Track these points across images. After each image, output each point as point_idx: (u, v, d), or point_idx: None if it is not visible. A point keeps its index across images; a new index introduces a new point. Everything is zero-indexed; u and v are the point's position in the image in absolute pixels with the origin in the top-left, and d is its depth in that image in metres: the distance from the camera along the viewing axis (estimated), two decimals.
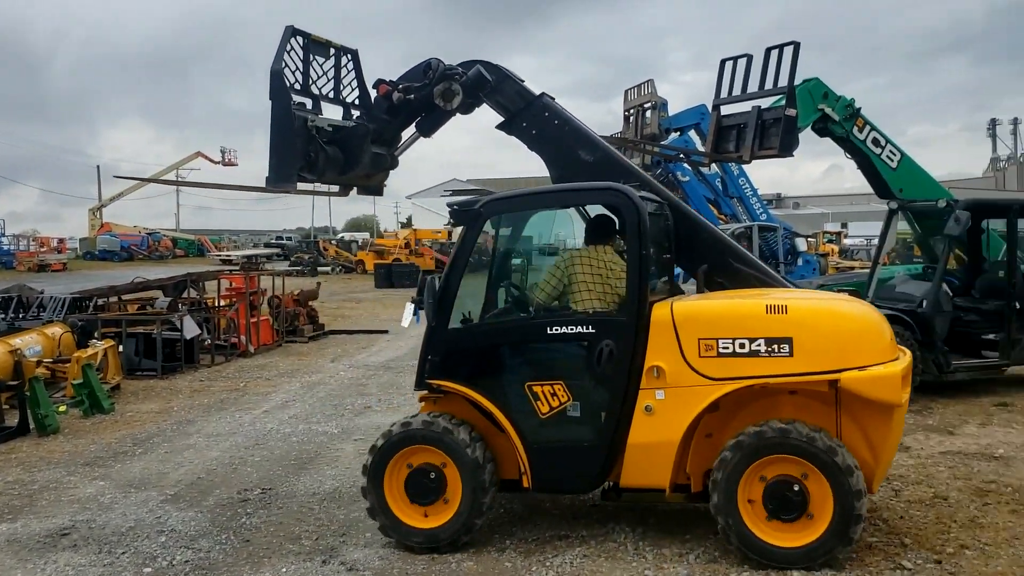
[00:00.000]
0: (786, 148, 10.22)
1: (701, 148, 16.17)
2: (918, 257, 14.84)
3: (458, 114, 7.09)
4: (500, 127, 7.12)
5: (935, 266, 10.66)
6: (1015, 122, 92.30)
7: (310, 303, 19.12)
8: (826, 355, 5.34)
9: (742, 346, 5.44)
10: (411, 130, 7.23)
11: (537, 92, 6.91)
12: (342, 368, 14.10)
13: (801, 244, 17.30)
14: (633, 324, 5.59)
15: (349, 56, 7.02)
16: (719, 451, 5.44)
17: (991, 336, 10.62)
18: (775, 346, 5.36)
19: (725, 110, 11.24)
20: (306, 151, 6.55)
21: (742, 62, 10.53)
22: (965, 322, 10.73)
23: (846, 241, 47.40)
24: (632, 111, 17.17)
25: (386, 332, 18.85)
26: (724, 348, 5.45)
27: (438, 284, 5.86)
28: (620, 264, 5.96)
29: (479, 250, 6.21)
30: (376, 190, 7.65)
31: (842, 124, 10.92)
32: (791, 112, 10.16)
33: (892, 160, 11.15)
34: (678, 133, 18.20)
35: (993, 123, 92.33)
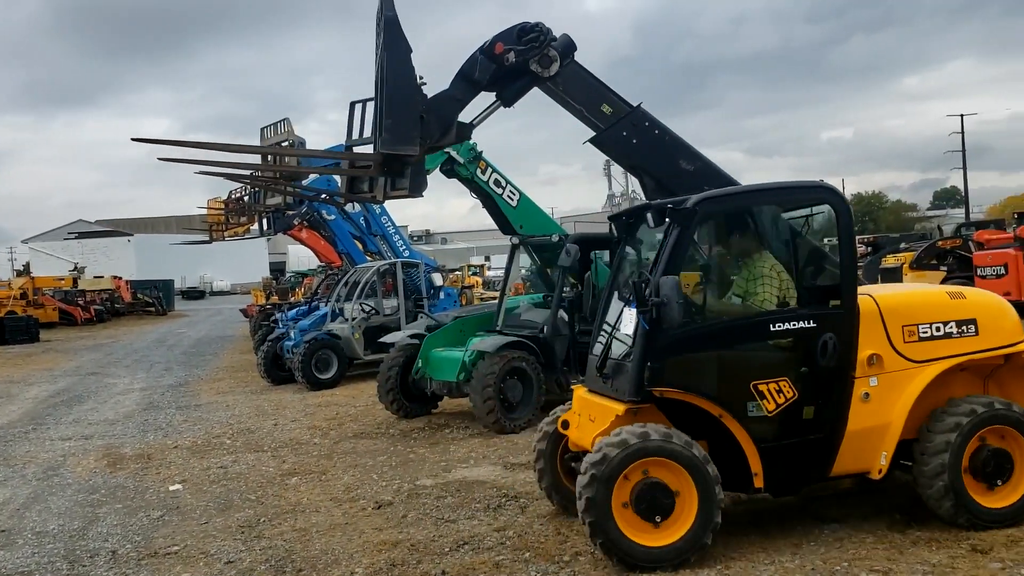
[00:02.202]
0: (415, 189, 10.54)
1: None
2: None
3: (502, 106, 6.69)
4: (594, 140, 6.85)
5: (553, 295, 11.63)
6: None
7: None
8: (1001, 332, 6.25)
9: (938, 329, 6.10)
10: (489, 99, 6.71)
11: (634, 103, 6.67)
12: None
13: (437, 279, 17.99)
14: (852, 316, 5.92)
15: None
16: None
17: None
18: (964, 327, 6.15)
19: (359, 151, 11.46)
20: (445, 107, 6.01)
21: (371, 105, 10.80)
22: (581, 343, 11.82)
23: (489, 273, 50.25)
24: None
25: None
26: (924, 333, 6.07)
27: (655, 288, 5.48)
28: (780, 265, 6.17)
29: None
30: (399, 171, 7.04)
31: (467, 166, 11.63)
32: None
33: (512, 199, 12.05)
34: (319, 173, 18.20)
35: (608, 164, 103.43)
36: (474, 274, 46.05)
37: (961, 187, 74.56)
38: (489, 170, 11.81)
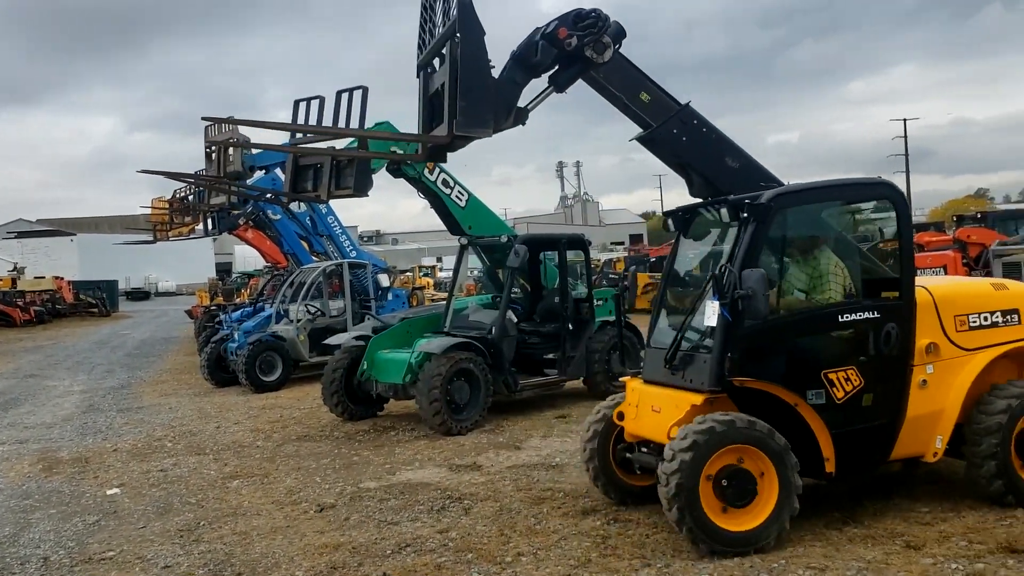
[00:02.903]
0: (360, 188, 10.52)
1: None
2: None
3: (555, 91, 6.74)
4: (644, 137, 6.90)
5: (502, 296, 11.63)
6: (578, 165, 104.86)
7: None
8: None
9: (986, 319, 6.50)
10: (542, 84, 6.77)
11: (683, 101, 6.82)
12: None
13: (383, 280, 17.87)
14: (911, 306, 6.25)
15: None
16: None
17: (551, 355, 11.85)
18: (1008, 316, 6.59)
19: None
20: (504, 91, 6.22)
21: (315, 103, 10.68)
22: (529, 344, 11.86)
23: (440, 274, 50.11)
24: (214, 148, 16.64)
25: None
26: (973, 322, 6.46)
27: (733, 280, 5.68)
28: (842, 261, 6.41)
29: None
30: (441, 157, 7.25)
31: (414, 166, 11.54)
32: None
33: (461, 200, 12.02)
34: (264, 171, 17.97)
35: (560, 165, 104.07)
36: (425, 275, 45.82)
37: (904, 190, 76.13)
38: (437, 170, 11.76)
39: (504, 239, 11.77)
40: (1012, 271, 16.96)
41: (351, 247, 19.39)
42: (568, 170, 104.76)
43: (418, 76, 7.37)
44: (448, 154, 7.30)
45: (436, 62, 7.08)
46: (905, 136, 63.87)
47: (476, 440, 10.05)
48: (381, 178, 11.60)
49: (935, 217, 64.36)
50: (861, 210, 7.23)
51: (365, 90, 10.16)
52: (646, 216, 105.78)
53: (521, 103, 6.77)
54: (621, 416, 6.74)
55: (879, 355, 6.14)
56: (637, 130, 7.11)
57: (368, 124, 10.42)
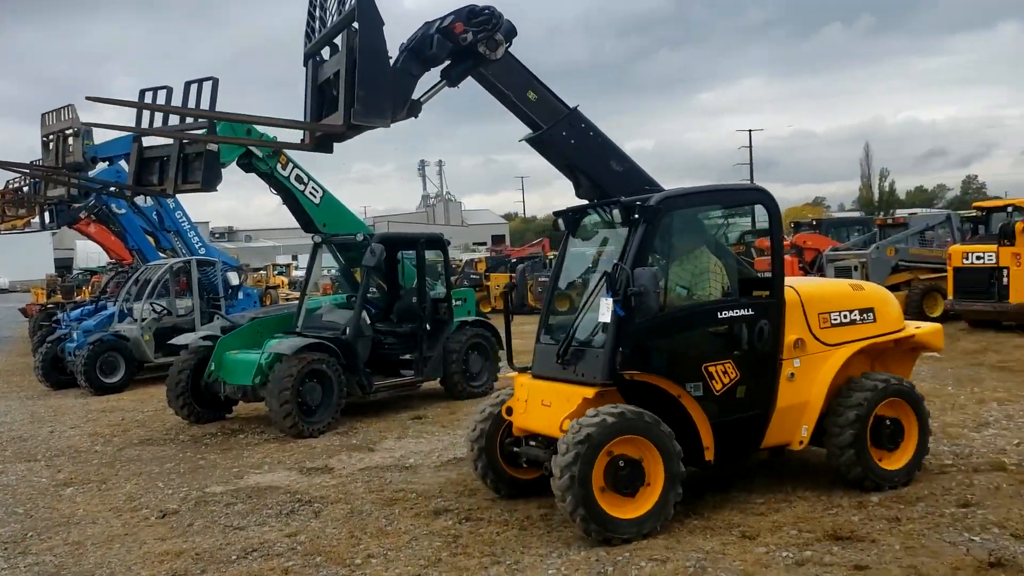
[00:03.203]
0: (208, 183, 10.19)
1: None
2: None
3: (447, 85, 6.81)
4: (534, 139, 7.03)
5: (357, 295, 11.46)
6: (440, 164, 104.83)
7: None
8: (891, 319, 7.24)
9: (845, 317, 6.97)
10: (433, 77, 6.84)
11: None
12: None
13: (234, 278, 17.32)
14: (781, 304, 6.64)
15: None
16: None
17: (407, 356, 11.78)
18: (864, 314, 7.06)
19: (149, 141, 10.87)
20: (401, 82, 6.27)
21: (162, 93, 10.24)
22: (385, 345, 11.75)
23: (296, 273, 48.97)
24: (52, 137, 15.69)
25: None
26: (835, 320, 6.92)
27: (625, 278, 5.92)
28: (715, 259, 6.74)
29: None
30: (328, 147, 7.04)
31: (266, 161, 11.21)
32: (213, 147, 10.17)
33: (315, 196, 11.76)
34: (107, 163, 17.09)
35: (423, 164, 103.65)
36: (279, 274, 44.72)
37: None
38: (290, 165, 11.46)
39: (360, 237, 11.60)
40: (843, 275, 18.00)
41: (200, 243, 18.70)
42: (430, 169, 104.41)
43: (305, 64, 7.32)
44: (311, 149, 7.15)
45: (326, 51, 7.03)
46: (750, 146, 67.31)
47: (328, 442, 9.88)
48: (235, 173, 11.25)
49: None
50: (734, 214, 7.77)
51: (215, 81, 9.83)
52: (509, 217, 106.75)
53: (415, 96, 6.79)
54: (510, 411, 6.87)
55: (753, 350, 6.50)
56: (526, 130, 7.24)
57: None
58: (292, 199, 11.61)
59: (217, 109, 9.66)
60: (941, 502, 6.42)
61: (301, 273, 47.52)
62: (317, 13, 7.18)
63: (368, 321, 11.42)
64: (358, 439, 9.99)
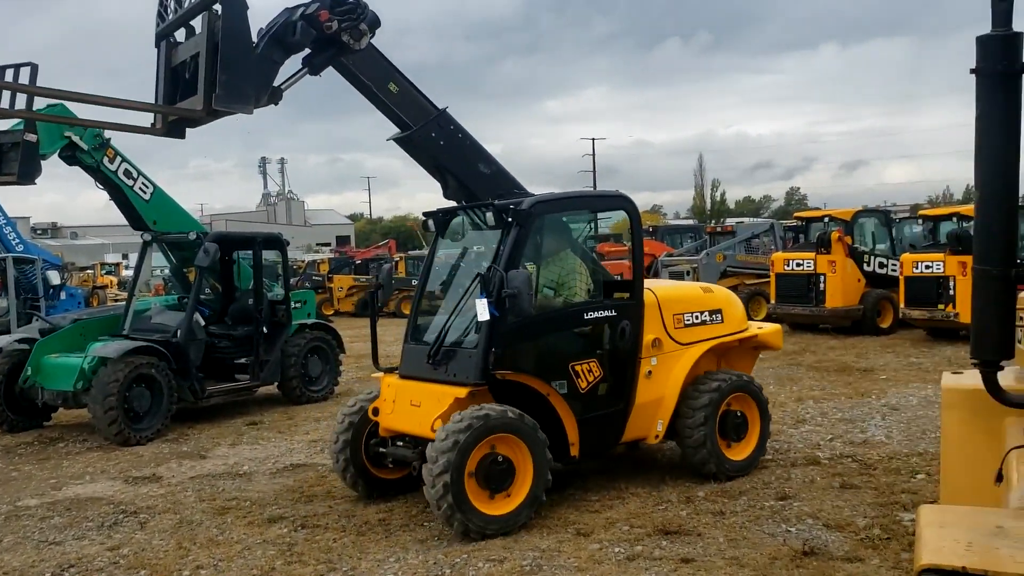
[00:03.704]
0: (27, 176, 9.55)
1: None
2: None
3: (309, 73, 6.67)
4: (402, 138, 7.01)
5: (189, 296, 11.00)
6: (283, 162, 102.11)
7: None
8: (736, 320, 7.65)
9: (697, 317, 7.32)
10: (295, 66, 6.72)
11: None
12: None
13: (55, 277, 16.31)
14: (640, 306, 6.92)
15: None
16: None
17: (243, 360, 11.39)
18: (713, 315, 7.44)
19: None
20: (263, 68, 6.18)
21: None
22: (219, 348, 11.33)
23: (125, 272, 46.51)
24: None
25: None
26: (688, 320, 7.25)
27: (499, 280, 6.00)
28: (580, 262, 6.97)
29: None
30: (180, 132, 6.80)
31: (91, 154, 10.57)
32: (31, 137, 9.54)
33: (145, 192, 11.19)
34: None
35: (264, 161, 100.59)
36: (108, 273, 42.34)
37: None
38: (118, 159, 10.86)
39: (193, 236, 11.13)
40: (676, 279, 18.80)
41: (17, 240, 17.47)
42: (272, 167, 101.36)
43: (157, 46, 7.02)
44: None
45: (180, 33, 6.78)
46: (593, 154, 69.19)
47: (157, 450, 9.43)
48: (61, 165, 10.57)
49: (616, 230, 70.11)
50: (586, 219, 7.96)
51: (34, 67, 9.19)
52: (354, 218, 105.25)
53: (276, 83, 6.65)
54: (376, 411, 6.83)
55: (615, 349, 6.80)
56: (385, 129, 7.27)
57: (39, 106, 9.44)
58: (120, 195, 11.01)
59: (37, 97, 9.06)
60: (761, 495, 6.79)
61: (131, 273, 45.36)
62: None
63: (201, 323, 10.97)
64: (189, 446, 9.58)
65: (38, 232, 76.85)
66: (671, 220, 75.02)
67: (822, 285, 16.80)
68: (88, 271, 41.73)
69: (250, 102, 6.33)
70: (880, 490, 6.79)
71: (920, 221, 20.12)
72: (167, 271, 23.73)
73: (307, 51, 6.76)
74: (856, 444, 8.30)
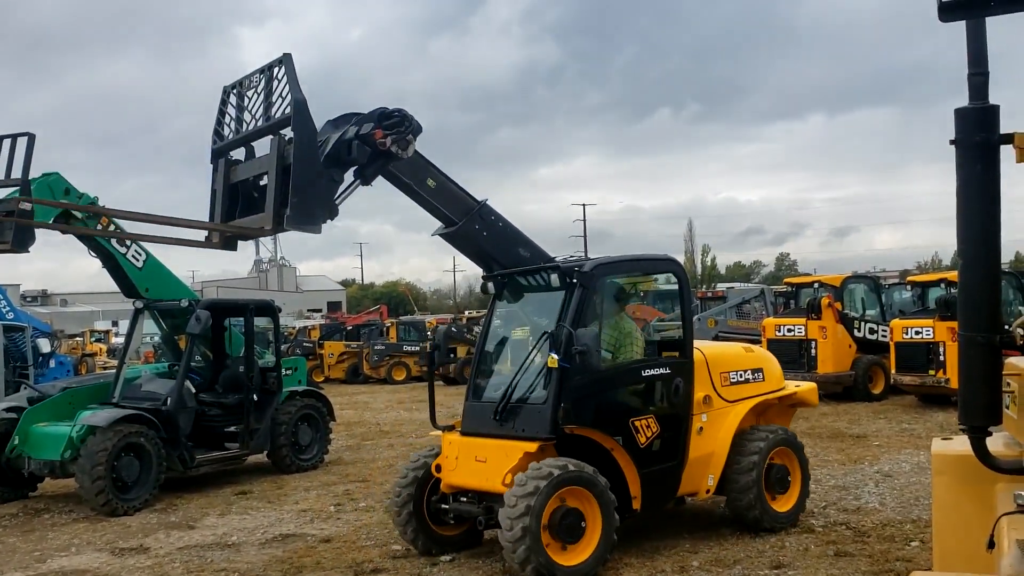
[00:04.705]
0: (21, 244, 9.55)
1: None
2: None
3: (361, 184, 6.85)
4: (447, 234, 7.16)
5: (179, 364, 10.96)
6: None
7: None
8: (775, 378, 8.00)
9: (741, 376, 7.64)
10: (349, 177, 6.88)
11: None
12: None
13: (44, 345, 16.25)
14: (691, 364, 7.23)
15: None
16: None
17: (233, 428, 11.30)
18: (755, 373, 7.77)
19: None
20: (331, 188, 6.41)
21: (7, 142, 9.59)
22: (209, 416, 11.25)
23: (115, 340, 46.29)
24: None
25: None
26: (733, 378, 7.56)
27: (567, 337, 6.29)
28: (633, 322, 7.35)
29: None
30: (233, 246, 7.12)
31: (86, 222, 10.66)
32: (26, 206, 9.59)
33: (138, 260, 11.23)
34: None
35: None
36: (97, 340, 42.18)
37: None
38: (112, 227, 10.93)
39: (185, 303, 11.15)
40: None
41: (8, 308, 17.44)
42: None
43: (213, 162, 7.35)
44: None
45: (240, 151, 7.11)
46: (584, 219, 69.84)
47: (144, 520, 9.30)
48: (50, 233, 10.63)
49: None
50: (646, 282, 8.59)
51: (31, 137, 9.32)
52: (346, 283, 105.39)
53: None
54: (439, 468, 6.99)
55: (670, 405, 7.13)
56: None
57: (35, 174, 9.55)
58: (113, 262, 11.05)
59: (33, 164, 9.17)
60: (756, 564, 6.72)
61: (121, 340, 45.15)
62: (232, 112, 7.25)
63: (192, 391, 10.92)
64: (177, 516, 9.45)
65: (28, 299, 76.62)
66: (662, 285, 75.40)
67: (813, 351, 16.82)
68: (77, 339, 41.54)
69: (319, 221, 6.61)
70: (874, 558, 6.73)
71: (909, 287, 20.24)
72: (157, 338, 23.69)
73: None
74: (850, 511, 8.25)
